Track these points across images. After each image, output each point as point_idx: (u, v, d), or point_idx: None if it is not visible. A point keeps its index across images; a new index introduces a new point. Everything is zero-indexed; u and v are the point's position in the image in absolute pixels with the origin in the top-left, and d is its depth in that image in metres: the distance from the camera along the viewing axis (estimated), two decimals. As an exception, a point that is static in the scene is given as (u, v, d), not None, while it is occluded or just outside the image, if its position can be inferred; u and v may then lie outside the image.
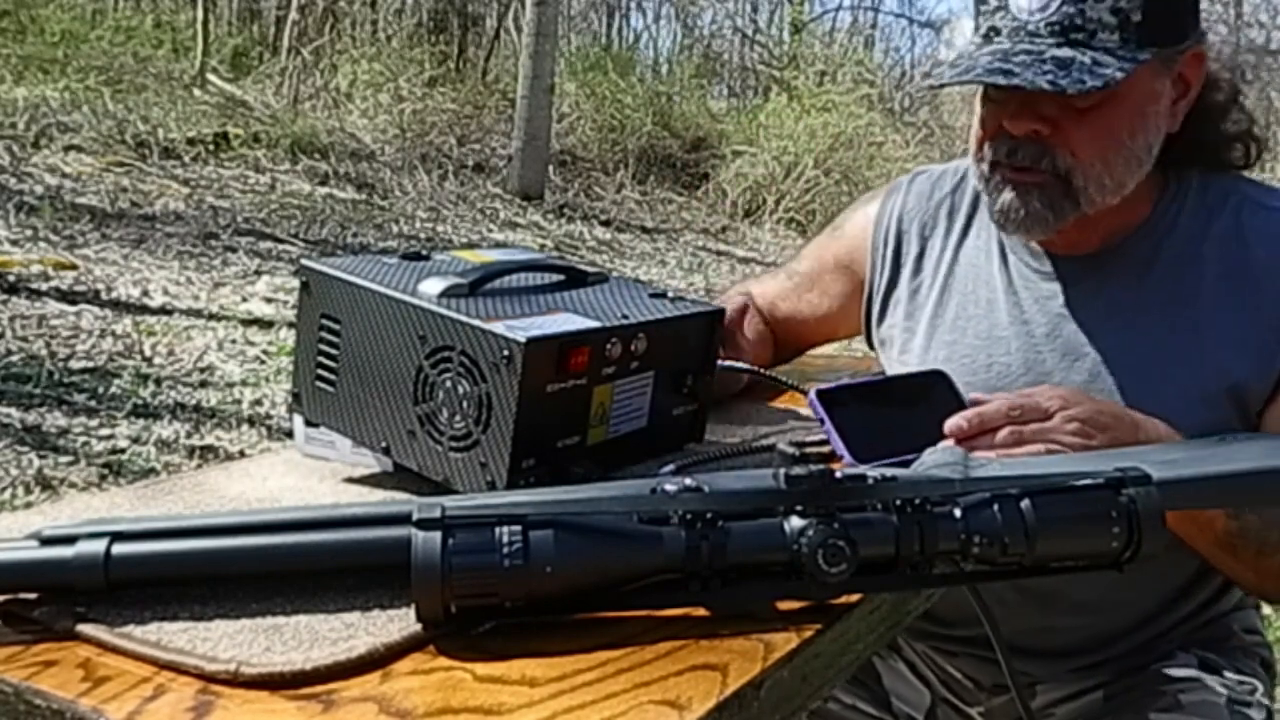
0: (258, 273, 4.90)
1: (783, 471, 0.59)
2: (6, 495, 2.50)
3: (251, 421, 3.17)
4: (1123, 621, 1.04)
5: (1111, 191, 0.93)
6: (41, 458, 2.70)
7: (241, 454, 2.90)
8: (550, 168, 8.44)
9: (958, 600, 1.07)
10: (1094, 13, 0.87)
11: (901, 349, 1.13)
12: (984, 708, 1.12)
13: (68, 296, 4.02)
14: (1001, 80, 0.86)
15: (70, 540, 0.56)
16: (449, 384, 0.72)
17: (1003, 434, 0.80)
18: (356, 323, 0.76)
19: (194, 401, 3.27)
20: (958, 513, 0.60)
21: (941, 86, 0.93)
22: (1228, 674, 1.00)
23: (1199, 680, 0.99)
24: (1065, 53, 0.87)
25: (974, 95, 0.99)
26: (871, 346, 1.20)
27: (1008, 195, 0.94)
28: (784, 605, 0.61)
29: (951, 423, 0.82)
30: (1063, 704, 1.06)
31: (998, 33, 0.91)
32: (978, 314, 1.06)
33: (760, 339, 1.20)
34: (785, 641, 0.57)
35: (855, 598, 0.62)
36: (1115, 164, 0.92)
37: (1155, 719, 0.95)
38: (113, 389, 3.24)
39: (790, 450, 0.81)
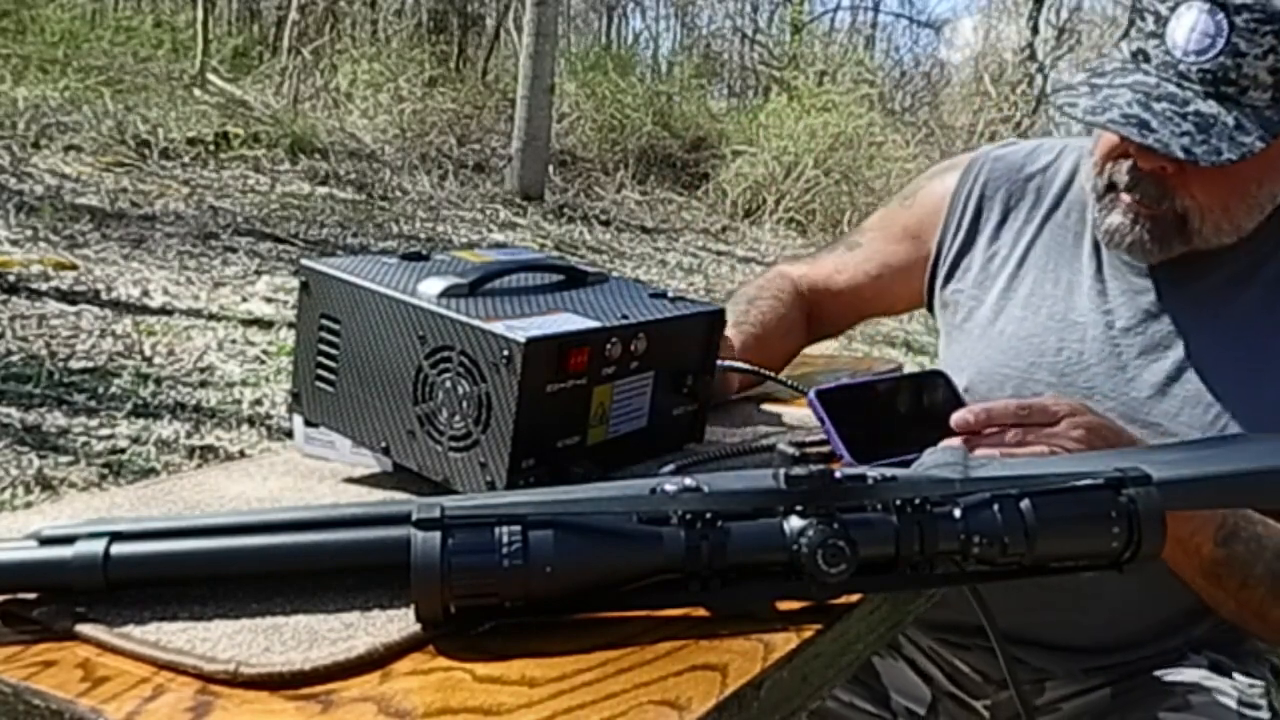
0: (258, 273, 4.90)
1: (783, 471, 0.59)
2: (6, 495, 2.49)
3: (251, 421, 3.17)
4: (1145, 623, 1.04)
5: (1228, 235, 0.92)
6: (41, 458, 2.70)
7: (241, 454, 2.90)
8: (550, 168, 8.44)
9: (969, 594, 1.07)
10: (1251, 69, 0.84)
11: (966, 317, 1.11)
12: (990, 701, 1.11)
13: (68, 296, 4.02)
14: (1136, 136, 0.84)
15: (69, 540, 0.56)
16: (449, 384, 0.71)
17: (1009, 434, 0.80)
18: (356, 323, 0.76)
19: (194, 401, 3.27)
20: (958, 513, 0.60)
21: (1079, 121, 0.89)
22: (1238, 676, 1.00)
23: (1209, 681, 0.98)
24: (1210, 108, 0.84)
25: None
26: (931, 311, 1.18)
27: (1117, 218, 0.93)
28: (784, 605, 0.61)
29: (958, 416, 0.81)
30: (1070, 700, 1.06)
31: (1146, 59, 0.88)
32: (1055, 294, 1.04)
33: (792, 331, 1.19)
34: (785, 642, 0.57)
35: (855, 598, 0.62)
36: (1237, 211, 0.91)
37: (1164, 718, 0.95)
38: (113, 389, 3.24)
39: (790, 450, 0.81)
